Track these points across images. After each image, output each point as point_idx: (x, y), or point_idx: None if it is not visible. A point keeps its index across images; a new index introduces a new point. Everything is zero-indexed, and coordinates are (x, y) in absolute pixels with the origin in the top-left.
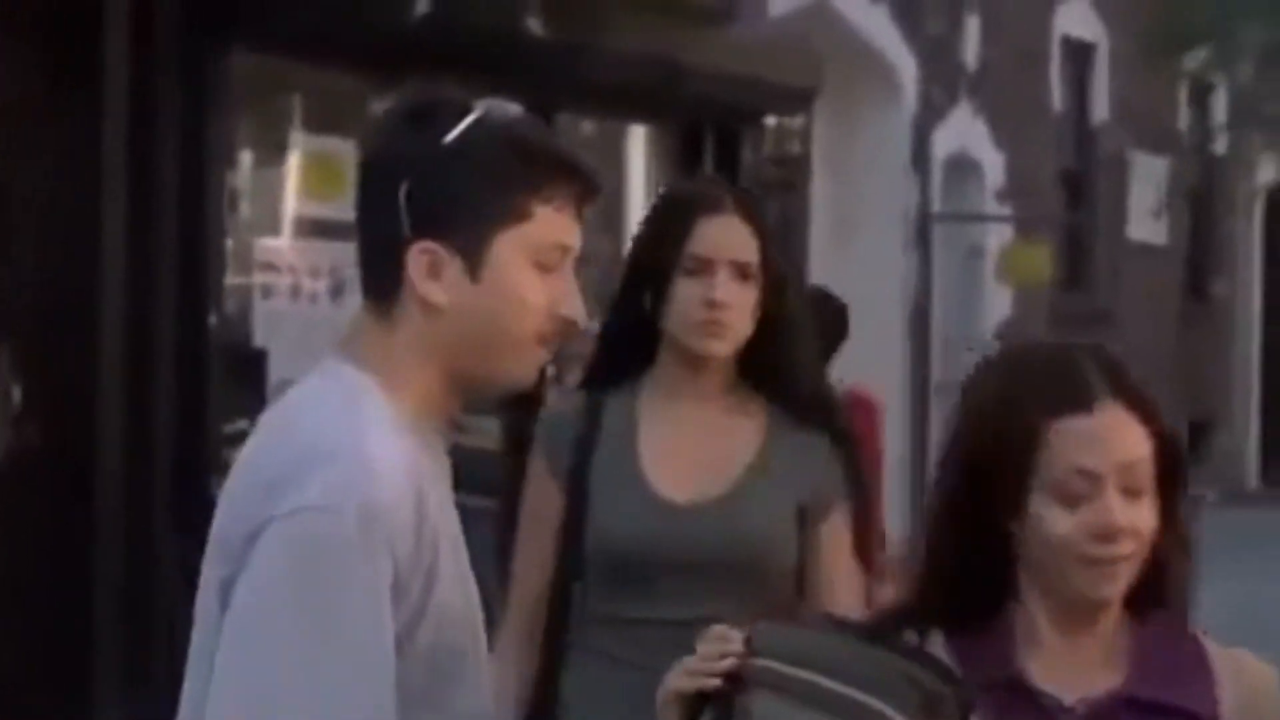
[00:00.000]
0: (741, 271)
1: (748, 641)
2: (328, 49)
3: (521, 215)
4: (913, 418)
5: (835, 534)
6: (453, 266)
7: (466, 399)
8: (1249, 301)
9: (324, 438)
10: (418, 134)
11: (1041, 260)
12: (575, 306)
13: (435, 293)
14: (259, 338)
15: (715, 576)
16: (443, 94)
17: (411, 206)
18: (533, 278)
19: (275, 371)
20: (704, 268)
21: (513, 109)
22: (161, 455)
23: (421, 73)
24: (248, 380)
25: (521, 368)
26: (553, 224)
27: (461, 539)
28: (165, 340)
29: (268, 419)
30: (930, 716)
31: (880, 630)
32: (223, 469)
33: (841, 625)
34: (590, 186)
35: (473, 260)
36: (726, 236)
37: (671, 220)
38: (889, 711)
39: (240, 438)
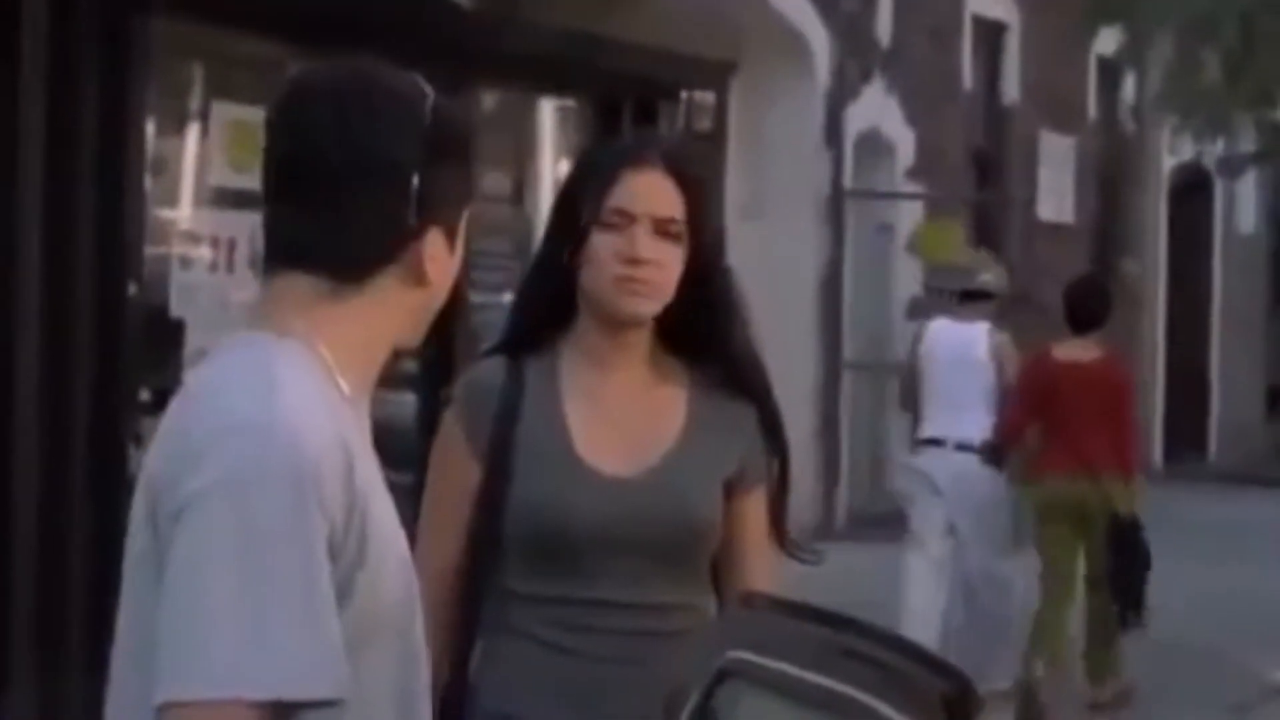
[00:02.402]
0: (663, 228)
1: (723, 630)
2: (247, 17)
3: (474, 190)
4: (824, 393)
5: (756, 508)
6: (443, 246)
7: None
8: (1156, 281)
9: (250, 407)
10: (409, 118)
11: (952, 237)
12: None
13: (434, 272)
14: (175, 307)
15: (645, 553)
16: (399, 72)
17: (421, 196)
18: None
19: (192, 341)
20: (624, 222)
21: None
22: (78, 423)
23: (341, 42)
24: (164, 350)
25: (422, 334)
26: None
27: (392, 508)
28: (83, 308)
29: (191, 388)
30: (923, 713)
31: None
32: (138, 438)
33: (819, 615)
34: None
35: (453, 238)
36: (649, 190)
37: (594, 173)
38: (884, 710)
39: (156, 406)
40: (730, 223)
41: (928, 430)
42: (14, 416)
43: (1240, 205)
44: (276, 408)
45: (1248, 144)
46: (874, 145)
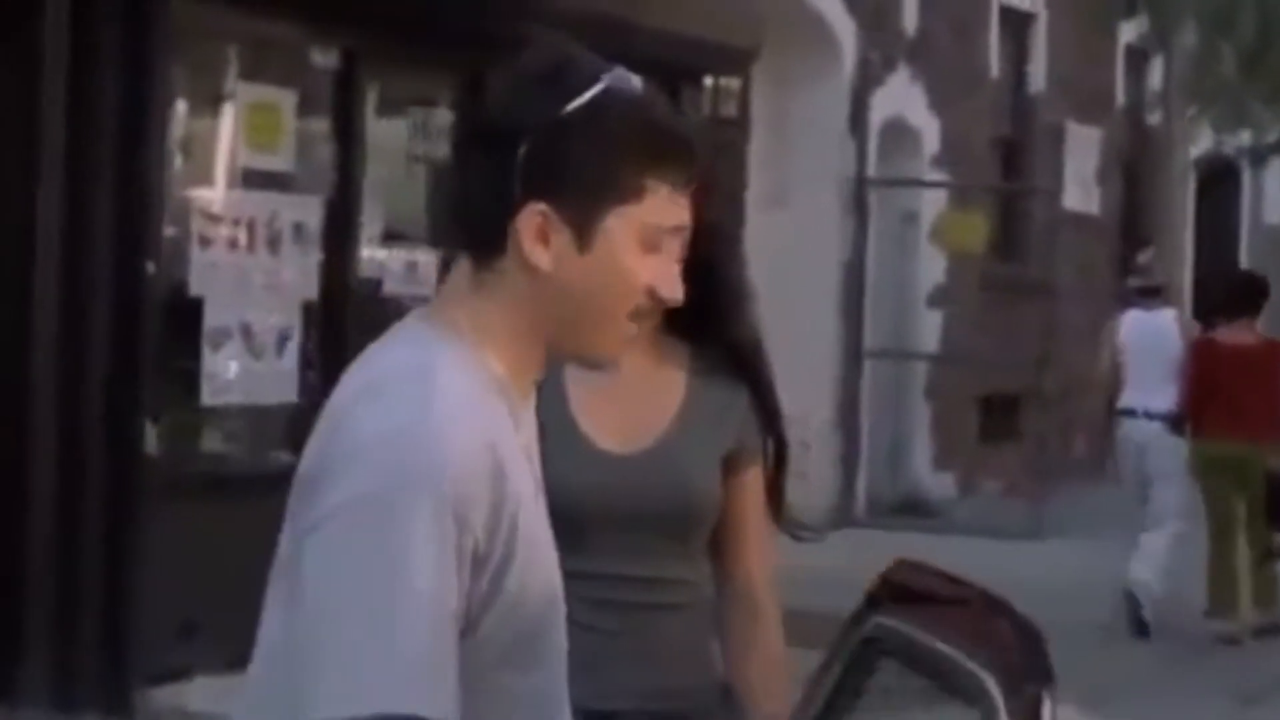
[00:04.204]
0: None
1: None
2: None
3: (638, 193)
4: (845, 381)
5: (754, 485)
6: (562, 235)
7: (550, 365)
8: (1181, 272)
9: (402, 416)
10: (543, 96)
11: (976, 227)
12: (675, 289)
13: (541, 257)
14: (195, 286)
15: (649, 529)
16: (574, 56)
17: (528, 168)
18: (638, 257)
19: (210, 320)
20: None
21: (637, 80)
22: (96, 401)
23: (362, 26)
24: (183, 329)
25: (611, 344)
26: (665, 205)
27: (543, 508)
28: (102, 287)
29: (355, 382)
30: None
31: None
32: (155, 415)
33: (958, 585)
34: (700, 169)
35: (583, 231)
36: None
37: None
38: (993, 690)
39: (175, 383)
40: (753, 210)
41: (1125, 401)
42: (32, 394)
43: (1267, 196)
44: (429, 417)
45: (1274, 134)
46: (898, 133)
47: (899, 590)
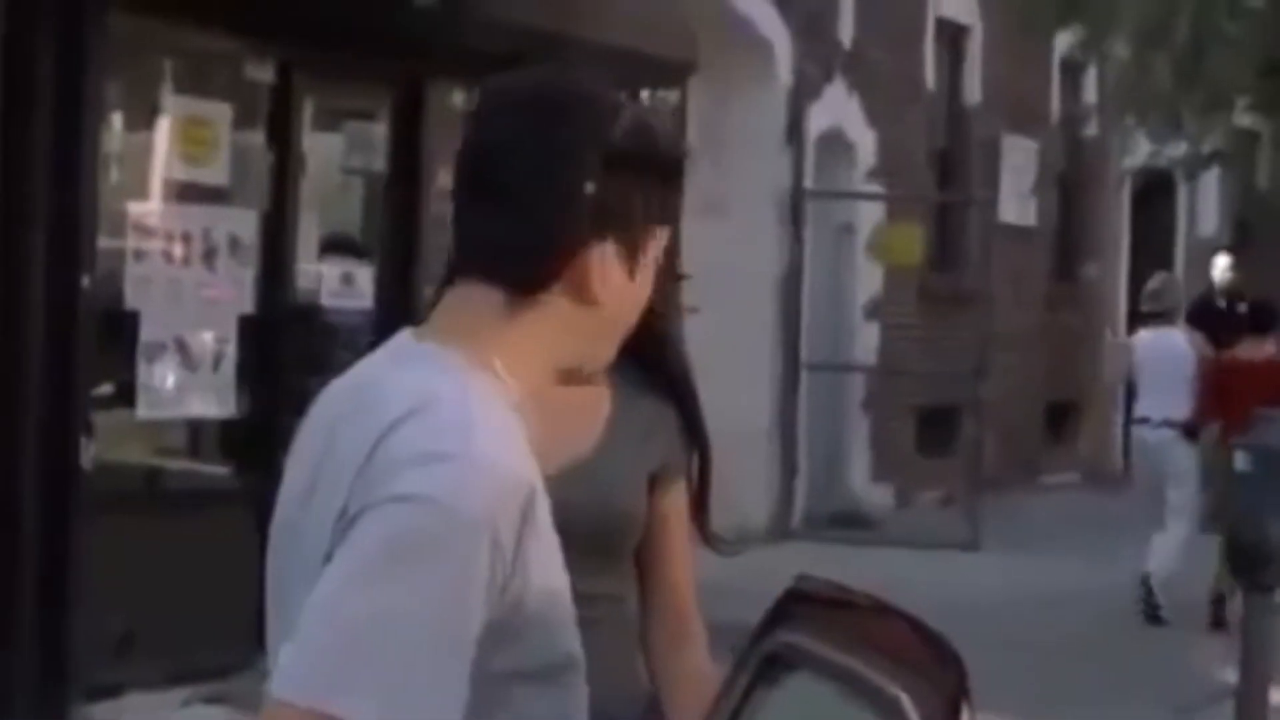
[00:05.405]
0: None
1: (773, 616)
2: (205, 12)
3: (674, 215)
4: (782, 393)
5: (679, 502)
6: (616, 264)
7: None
8: (1117, 284)
9: (456, 439)
10: (595, 125)
11: (912, 239)
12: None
13: (603, 290)
14: (130, 300)
15: (576, 545)
16: (597, 82)
17: (595, 207)
18: (652, 274)
19: (146, 334)
20: None
21: (641, 101)
22: (31, 415)
23: (298, 39)
24: (119, 343)
25: (611, 353)
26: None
27: (555, 537)
28: (36, 301)
29: (379, 395)
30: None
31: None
32: (89, 429)
33: (861, 599)
34: None
35: (633, 258)
36: None
37: None
38: (904, 700)
39: (114, 399)
40: (690, 222)
41: (1139, 411)
42: None
43: (1201, 208)
44: (473, 444)
45: (1210, 145)
46: (835, 146)
47: (806, 604)
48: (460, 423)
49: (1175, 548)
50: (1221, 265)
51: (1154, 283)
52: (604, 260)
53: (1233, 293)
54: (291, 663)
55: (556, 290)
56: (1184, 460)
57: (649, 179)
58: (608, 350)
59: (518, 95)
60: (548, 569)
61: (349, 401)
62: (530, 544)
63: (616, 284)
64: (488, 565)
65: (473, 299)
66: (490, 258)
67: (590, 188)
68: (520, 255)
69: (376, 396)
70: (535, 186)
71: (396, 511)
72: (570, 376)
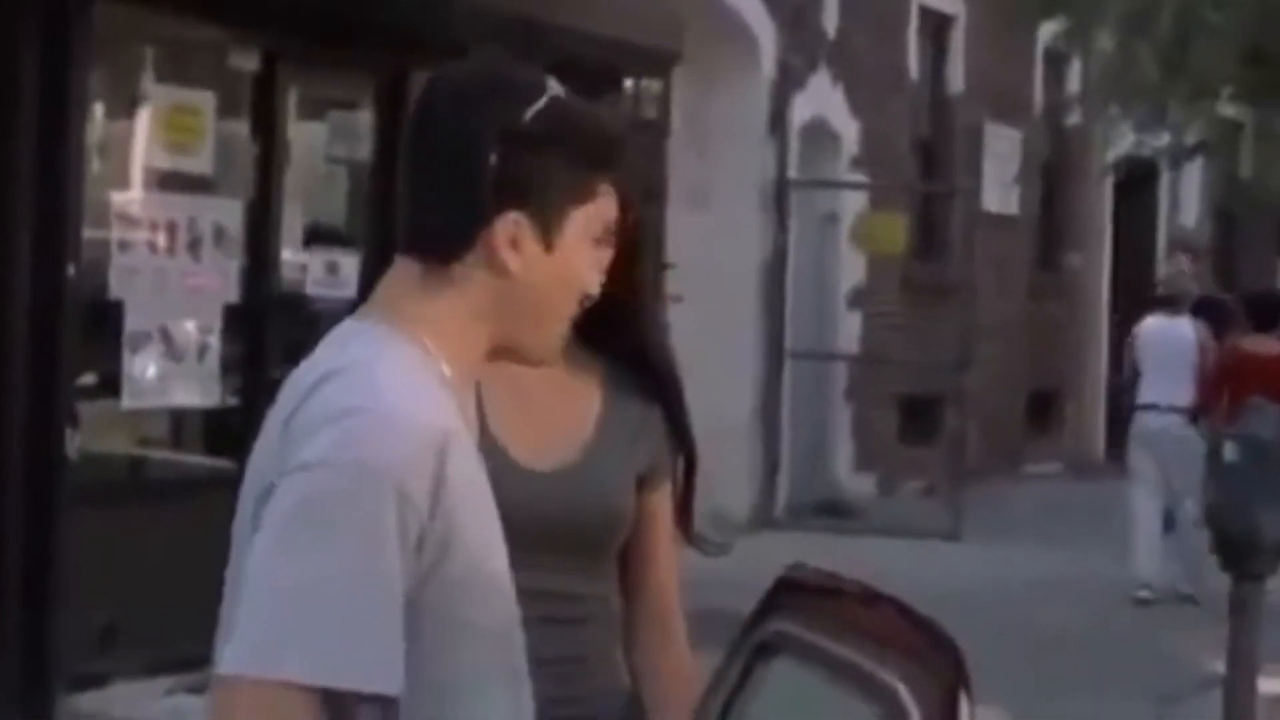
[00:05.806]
0: None
1: (765, 605)
2: (188, 0)
3: (593, 193)
4: (766, 382)
5: (664, 503)
6: (531, 238)
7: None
8: (1099, 273)
9: (354, 397)
10: (501, 106)
11: (896, 229)
12: (595, 283)
13: (514, 261)
14: (115, 290)
15: (565, 545)
16: (516, 65)
17: (500, 179)
18: (590, 254)
19: (131, 324)
20: None
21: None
22: (16, 405)
23: (281, 28)
24: (103, 333)
25: (553, 340)
26: (609, 203)
27: (491, 502)
28: (21, 290)
29: (303, 377)
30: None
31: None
32: (75, 419)
33: (855, 588)
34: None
35: (549, 234)
36: None
37: None
38: (902, 690)
39: (97, 388)
40: (674, 212)
41: (1146, 397)
42: None
43: (1184, 198)
44: (379, 399)
45: (1193, 135)
46: (819, 135)
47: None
48: (369, 380)
49: (1189, 544)
50: (1177, 264)
51: (1168, 268)
52: (515, 233)
53: (1175, 294)
54: (234, 641)
55: (471, 262)
56: (1191, 444)
57: (566, 159)
58: (542, 331)
59: (445, 82)
60: (478, 521)
61: (286, 389)
62: (443, 504)
63: (530, 256)
64: (396, 511)
65: (398, 274)
66: (409, 233)
67: (493, 161)
68: (430, 227)
69: (298, 375)
70: (442, 162)
71: (304, 480)
72: (518, 358)
